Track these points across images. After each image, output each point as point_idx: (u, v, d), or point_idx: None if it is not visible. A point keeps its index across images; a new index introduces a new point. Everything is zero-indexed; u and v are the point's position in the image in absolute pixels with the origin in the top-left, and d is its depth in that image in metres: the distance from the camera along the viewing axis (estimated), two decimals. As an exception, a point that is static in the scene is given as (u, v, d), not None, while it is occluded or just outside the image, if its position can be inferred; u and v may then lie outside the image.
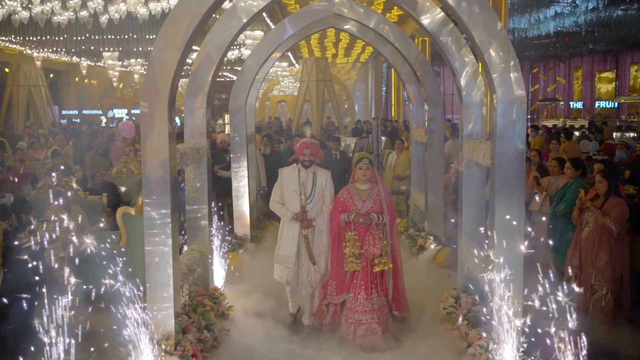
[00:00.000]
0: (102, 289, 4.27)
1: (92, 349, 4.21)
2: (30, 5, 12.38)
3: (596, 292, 5.38)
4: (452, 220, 6.83)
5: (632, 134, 18.52)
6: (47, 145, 13.15)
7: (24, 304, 4.15)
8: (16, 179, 5.24)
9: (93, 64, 23.83)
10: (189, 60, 13.93)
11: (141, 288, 4.37)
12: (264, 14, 14.92)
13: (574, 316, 3.68)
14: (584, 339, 3.68)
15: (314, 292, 5.52)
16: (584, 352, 3.62)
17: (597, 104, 30.54)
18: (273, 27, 10.62)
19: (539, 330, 4.24)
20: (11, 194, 4.86)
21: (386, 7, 15.34)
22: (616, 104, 29.65)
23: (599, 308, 5.36)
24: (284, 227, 5.49)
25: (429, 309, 5.60)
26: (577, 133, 18.10)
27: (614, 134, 17.27)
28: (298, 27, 7.82)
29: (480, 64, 5.54)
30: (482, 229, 5.21)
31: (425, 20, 5.56)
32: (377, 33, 7.70)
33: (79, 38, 14.82)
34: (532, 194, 6.72)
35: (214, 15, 8.44)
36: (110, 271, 4.20)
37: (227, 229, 7.45)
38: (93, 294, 4.06)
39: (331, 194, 5.45)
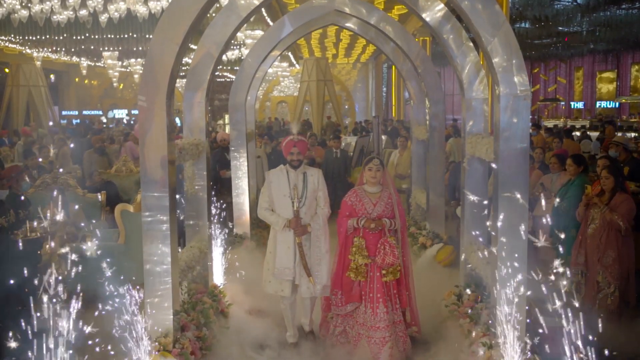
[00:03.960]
0: (100, 286, 4.22)
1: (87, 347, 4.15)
2: (29, 4, 12.34)
3: (602, 290, 5.32)
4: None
5: (632, 134, 18.49)
6: (42, 144, 13.06)
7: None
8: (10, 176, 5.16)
9: (93, 64, 23.79)
10: (187, 60, 13.92)
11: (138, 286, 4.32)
12: (264, 14, 14.88)
13: (579, 314, 3.62)
14: (589, 336, 3.61)
15: (314, 302, 5.18)
16: (589, 350, 3.55)
17: (598, 104, 30.51)
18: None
19: (543, 328, 4.19)
20: (6, 191, 4.79)
21: (387, 6, 15.29)
22: (617, 104, 29.61)
23: (604, 306, 5.30)
24: (276, 237, 4.99)
25: (431, 306, 5.53)
26: (577, 133, 18.05)
27: (617, 133, 17.21)
28: (298, 24, 7.77)
29: (482, 58, 5.50)
30: (487, 223, 5.16)
31: (427, 16, 5.50)
32: (379, 30, 7.64)
33: (78, 37, 14.77)
34: (535, 197, 6.66)
35: (211, 13, 8.41)
36: (108, 268, 4.15)
37: (228, 226, 7.39)
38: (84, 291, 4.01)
39: (325, 195, 5.05)
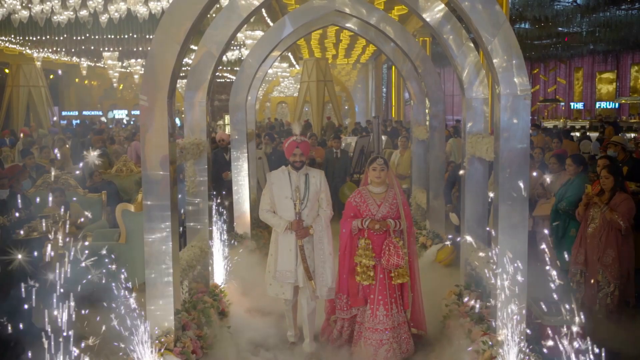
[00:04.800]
0: (101, 286, 4.24)
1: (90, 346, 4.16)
2: (29, 5, 12.35)
3: (602, 289, 5.34)
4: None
5: (632, 135, 18.50)
6: (42, 144, 13.07)
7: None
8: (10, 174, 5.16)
9: (93, 64, 23.81)
10: (187, 61, 13.93)
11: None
12: (265, 14, 14.90)
13: (579, 313, 3.63)
14: (589, 335, 3.62)
15: (314, 311, 5.05)
16: (589, 349, 3.57)
17: (597, 105, 30.52)
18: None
19: (544, 327, 4.20)
20: (7, 190, 4.80)
21: (387, 6, 15.31)
22: (617, 104, 29.63)
23: (604, 305, 5.31)
24: (278, 239, 4.93)
25: (432, 306, 5.54)
26: (577, 134, 18.07)
27: (621, 134, 17.22)
28: (298, 24, 7.78)
29: (482, 58, 5.51)
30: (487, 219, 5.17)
31: (428, 16, 5.52)
32: (379, 30, 7.65)
33: (78, 38, 14.80)
34: (535, 199, 6.68)
35: (212, 14, 8.43)
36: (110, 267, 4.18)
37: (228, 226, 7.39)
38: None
39: (327, 197, 5.01)
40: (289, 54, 22.50)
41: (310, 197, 4.85)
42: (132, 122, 26.22)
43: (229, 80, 27.13)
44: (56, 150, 10.81)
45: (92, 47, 17.14)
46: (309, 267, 4.84)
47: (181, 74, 14.77)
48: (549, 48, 28.37)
